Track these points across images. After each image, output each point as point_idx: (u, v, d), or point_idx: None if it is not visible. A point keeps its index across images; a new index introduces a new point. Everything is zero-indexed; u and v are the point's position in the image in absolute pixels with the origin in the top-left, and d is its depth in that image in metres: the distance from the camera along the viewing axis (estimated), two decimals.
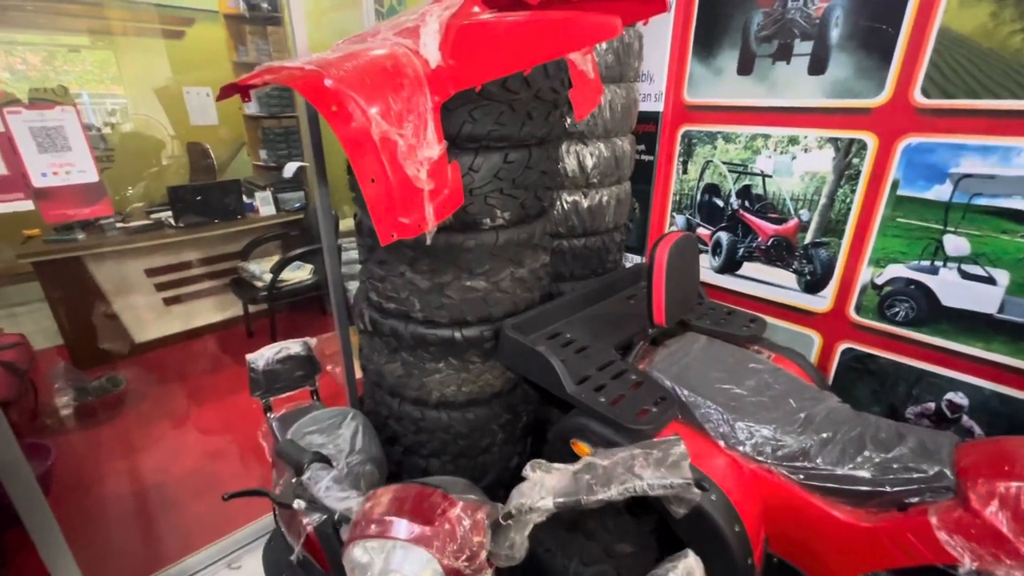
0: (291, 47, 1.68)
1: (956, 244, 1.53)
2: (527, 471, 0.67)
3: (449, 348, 1.49)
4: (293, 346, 1.64)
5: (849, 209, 1.71)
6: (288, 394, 1.65)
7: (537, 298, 1.64)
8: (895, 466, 1.13)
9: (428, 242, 1.12)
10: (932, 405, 1.68)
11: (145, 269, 3.43)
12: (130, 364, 3.38)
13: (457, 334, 1.46)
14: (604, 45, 1.76)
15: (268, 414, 1.63)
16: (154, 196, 3.96)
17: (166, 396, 3.08)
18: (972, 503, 1.00)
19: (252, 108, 4.50)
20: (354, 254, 3.07)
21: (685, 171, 2.12)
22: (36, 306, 3.29)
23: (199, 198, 3.44)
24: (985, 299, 1.52)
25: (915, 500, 1.10)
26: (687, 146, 2.08)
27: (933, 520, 1.04)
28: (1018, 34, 1.35)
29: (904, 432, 1.22)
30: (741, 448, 1.26)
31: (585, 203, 1.90)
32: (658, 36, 1.98)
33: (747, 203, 1.97)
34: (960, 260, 1.54)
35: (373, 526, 0.69)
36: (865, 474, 1.13)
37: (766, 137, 1.85)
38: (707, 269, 2.13)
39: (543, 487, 0.64)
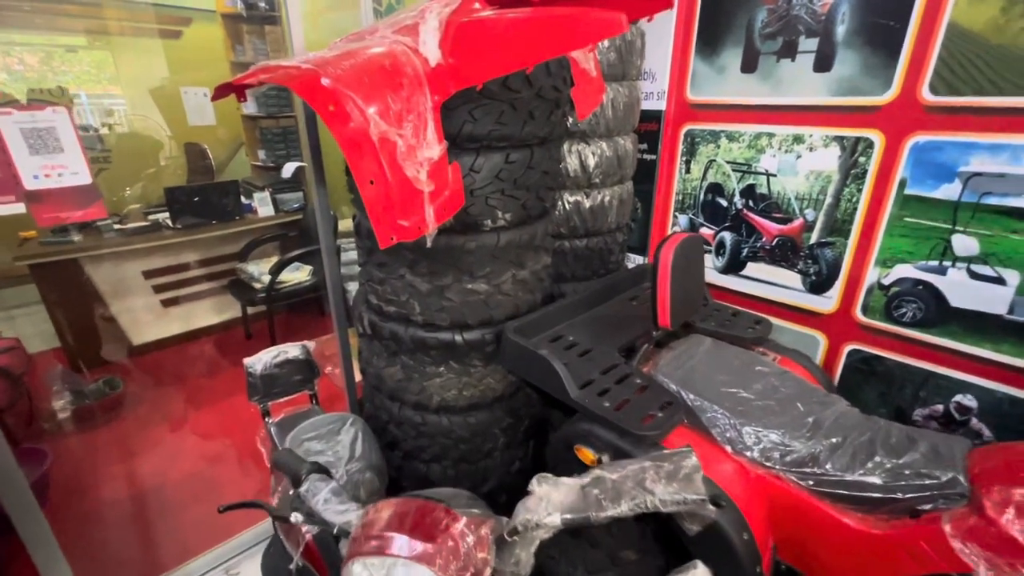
0: (288, 47, 1.65)
1: (965, 244, 1.51)
2: (533, 485, 0.65)
3: (450, 352, 1.46)
4: (291, 350, 1.61)
5: (855, 208, 1.69)
6: (287, 398, 1.63)
7: (539, 300, 1.61)
8: (907, 472, 1.10)
9: (428, 245, 1.09)
10: (940, 407, 1.66)
11: (143, 271, 3.40)
12: (128, 367, 3.35)
13: (458, 337, 1.44)
14: (606, 43, 1.73)
15: (266, 419, 1.61)
16: (151, 197, 3.94)
17: (164, 399, 3.06)
18: (987, 510, 0.98)
19: (250, 108, 4.47)
20: (353, 255, 3.04)
21: (688, 170, 2.09)
22: (33, 308, 3.26)
23: (197, 199, 3.41)
24: (995, 300, 1.49)
25: (928, 507, 1.07)
26: (690, 145, 2.06)
27: (947, 528, 1.01)
28: None
29: (915, 437, 1.19)
30: (748, 454, 1.23)
31: (587, 203, 1.88)
32: (660, 33, 1.95)
33: (751, 203, 1.95)
34: (969, 260, 1.51)
35: (373, 542, 0.67)
36: (876, 480, 1.11)
37: (770, 136, 1.83)
38: (710, 269, 2.10)
39: (550, 502, 0.61)
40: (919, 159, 1.53)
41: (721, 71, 1.88)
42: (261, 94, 4.39)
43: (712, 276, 2.10)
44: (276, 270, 3.34)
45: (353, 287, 2.27)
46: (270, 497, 1.38)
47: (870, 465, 1.14)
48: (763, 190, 1.90)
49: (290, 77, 0.98)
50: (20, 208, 1.30)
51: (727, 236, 2.04)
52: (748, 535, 1.10)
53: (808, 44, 1.67)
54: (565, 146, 1.79)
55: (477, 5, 1.10)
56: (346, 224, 3.54)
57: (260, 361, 1.56)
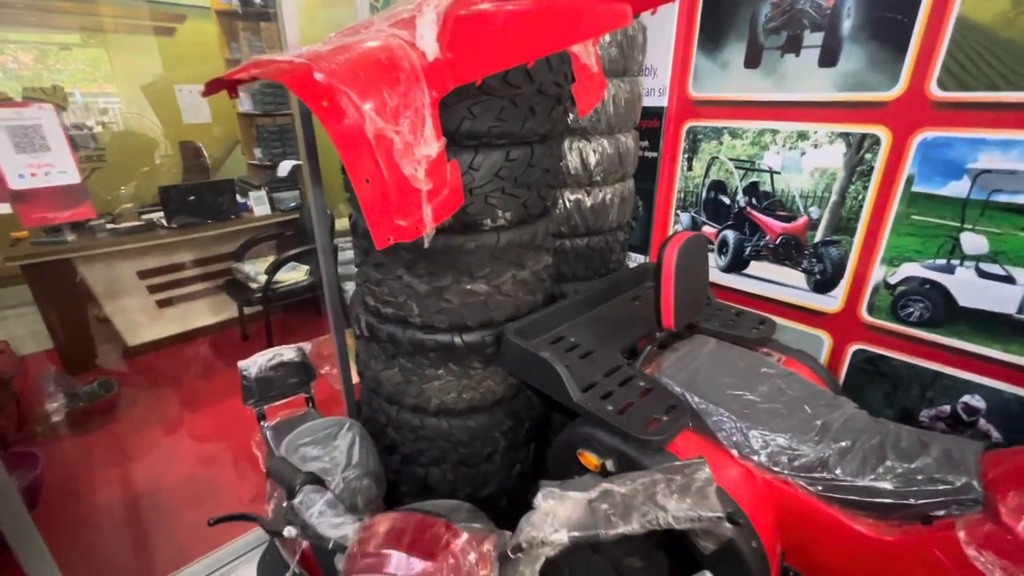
0: (282, 43, 1.61)
1: (974, 242, 1.48)
2: (538, 500, 0.61)
3: (449, 354, 1.43)
4: (287, 352, 1.58)
5: (861, 206, 1.66)
6: (282, 401, 1.60)
7: (540, 301, 1.58)
8: (919, 477, 1.07)
9: (426, 245, 1.06)
10: (947, 408, 1.63)
11: (137, 271, 3.36)
12: (123, 368, 3.31)
13: (457, 339, 1.41)
14: (607, 38, 1.70)
15: (262, 423, 1.58)
16: (146, 196, 3.90)
17: (159, 401, 3.02)
18: (1003, 517, 0.95)
19: (246, 106, 4.42)
20: (351, 254, 3.00)
21: (690, 168, 2.06)
22: (26, 309, 3.22)
23: (192, 198, 3.37)
24: (1004, 299, 1.46)
25: (941, 513, 1.04)
26: (692, 142, 2.02)
27: (961, 535, 0.98)
28: None
29: (926, 440, 1.16)
30: (756, 458, 1.20)
31: (588, 201, 1.85)
32: (662, 29, 1.92)
33: (754, 200, 1.92)
34: (978, 259, 1.48)
35: (370, 560, 0.63)
36: (888, 485, 1.08)
37: (774, 132, 1.80)
38: (713, 268, 2.07)
39: (556, 518, 0.58)
40: (927, 156, 1.50)
41: (724, 66, 1.85)
42: (257, 91, 4.35)
43: (714, 275, 2.07)
44: (272, 270, 3.30)
45: (350, 287, 2.24)
46: (266, 503, 1.35)
47: (881, 470, 1.11)
48: (767, 188, 1.87)
49: (282, 72, 0.94)
50: (6, 208, 1.26)
51: (730, 234, 2.01)
52: (757, 543, 1.07)
53: (813, 38, 1.64)
54: (566, 143, 1.76)
55: None
56: (343, 223, 3.51)
57: (255, 364, 1.53)
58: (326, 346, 2.05)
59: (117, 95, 4.54)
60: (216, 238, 3.60)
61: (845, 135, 1.64)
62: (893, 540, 1.07)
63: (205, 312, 3.73)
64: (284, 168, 4.06)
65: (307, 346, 1.63)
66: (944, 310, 1.56)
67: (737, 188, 1.95)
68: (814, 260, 1.80)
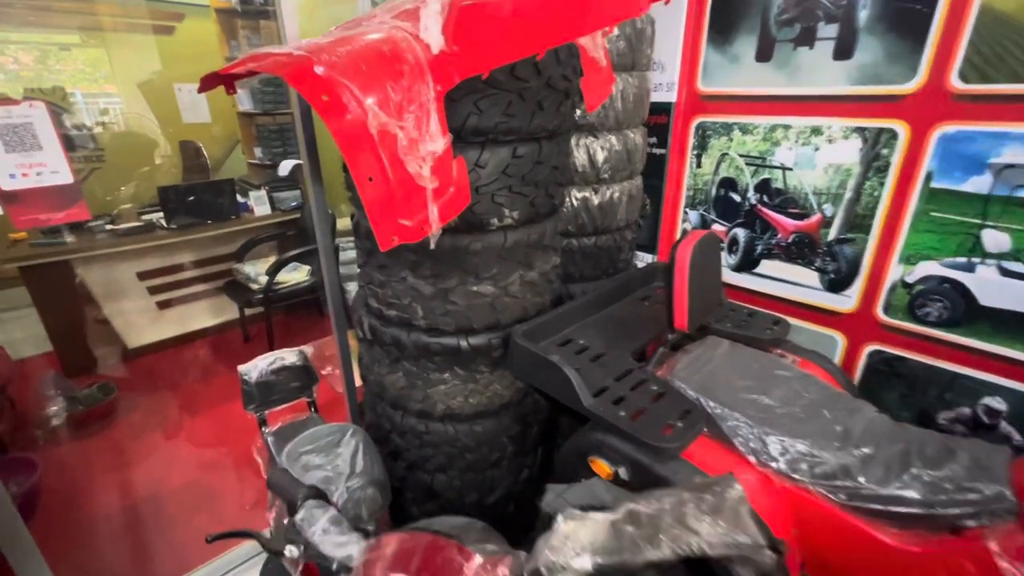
0: (282, 41, 1.57)
1: (996, 239, 1.43)
2: (558, 523, 0.57)
3: (455, 357, 1.39)
4: (288, 356, 1.54)
5: (877, 203, 1.61)
6: (284, 406, 1.56)
7: (548, 302, 1.54)
8: (947, 486, 1.03)
9: (433, 246, 1.02)
10: (967, 410, 1.59)
11: (137, 272, 3.33)
12: (123, 371, 3.27)
13: (463, 343, 1.36)
14: (616, 31, 1.65)
15: (263, 428, 1.54)
16: (145, 196, 3.86)
17: (160, 405, 2.98)
18: None
19: (246, 104, 4.38)
20: (352, 254, 2.96)
21: (699, 165, 2.01)
22: (24, 312, 3.18)
23: (191, 198, 3.33)
24: None
25: (970, 523, 1.00)
26: (701, 138, 1.98)
27: (992, 546, 0.94)
28: None
29: (953, 446, 1.12)
30: (774, 465, 1.16)
31: (596, 200, 1.80)
32: (671, 22, 1.87)
33: (766, 198, 1.87)
34: (1000, 257, 1.44)
35: None
36: (914, 494, 1.03)
37: (787, 128, 1.75)
38: (723, 267, 2.03)
39: (577, 541, 0.54)
40: (947, 150, 1.45)
41: (734, 60, 1.80)
42: (257, 90, 4.30)
43: (725, 274, 2.03)
44: (273, 270, 3.26)
45: (352, 287, 2.20)
46: (267, 511, 1.32)
47: (906, 477, 1.06)
48: (779, 184, 1.82)
49: (280, 65, 0.90)
50: None
51: (740, 232, 1.96)
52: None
53: (827, 31, 1.59)
54: (572, 140, 1.71)
55: None
56: (345, 223, 3.47)
57: (255, 368, 1.49)
58: (329, 346, 2.01)
59: (118, 95, 4.50)
60: (216, 238, 3.56)
61: (861, 130, 1.59)
62: (920, 551, 1.02)
63: (205, 314, 3.69)
64: (285, 167, 4.02)
65: (308, 349, 1.59)
66: (964, 309, 1.52)
67: (748, 185, 1.90)
68: (828, 258, 1.76)
